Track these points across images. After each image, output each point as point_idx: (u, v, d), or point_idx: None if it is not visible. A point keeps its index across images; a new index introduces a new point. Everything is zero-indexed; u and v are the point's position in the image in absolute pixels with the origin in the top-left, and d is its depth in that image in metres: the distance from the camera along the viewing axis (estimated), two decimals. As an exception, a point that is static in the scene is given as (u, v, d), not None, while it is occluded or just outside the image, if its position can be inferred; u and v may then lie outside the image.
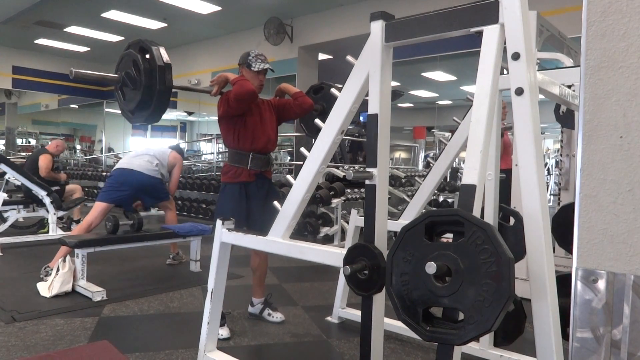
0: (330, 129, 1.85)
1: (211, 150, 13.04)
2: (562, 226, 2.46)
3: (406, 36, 1.61)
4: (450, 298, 1.21)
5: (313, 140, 2.45)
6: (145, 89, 2.11)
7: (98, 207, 4.06)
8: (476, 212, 1.34)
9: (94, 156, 16.13)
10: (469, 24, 1.46)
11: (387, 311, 1.67)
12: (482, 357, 2.49)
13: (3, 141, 16.07)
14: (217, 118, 2.87)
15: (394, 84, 9.98)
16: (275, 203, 2.12)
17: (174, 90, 2.35)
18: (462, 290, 1.19)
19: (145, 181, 4.23)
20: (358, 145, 8.35)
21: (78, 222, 6.05)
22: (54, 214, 5.35)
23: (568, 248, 2.61)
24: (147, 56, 2.15)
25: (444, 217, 1.28)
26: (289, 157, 11.09)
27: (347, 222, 4.22)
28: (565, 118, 3.54)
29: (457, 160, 5.49)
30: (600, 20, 0.77)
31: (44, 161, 5.70)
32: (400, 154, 17.87)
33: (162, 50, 2.16)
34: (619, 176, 0.76)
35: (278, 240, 2.00)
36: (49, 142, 6.14)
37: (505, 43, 1.41)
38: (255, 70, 2.80)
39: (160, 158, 4.42)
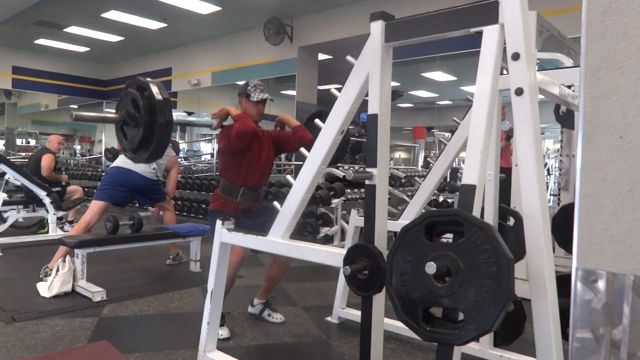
0: (330, 129, 1.85)
1: (211, 150, 13.04)
2: (562, 226, 2.46)
3: (406, 36, 1.61)
4: (450, 298, 1.21)
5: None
6: (146, 124, 2.13)
7: (95, 205, 4.05)
8: (476, 212, 1.34)
9: (93, 156, 16.12)
10: (469, 24, 1.46)
11: (387, 311, 1.67)
12: (482, 357, 2.49)
13: (3, 141, 16.05)
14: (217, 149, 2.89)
15: (394, 84, 9.99)
16: (275, 203, 2.12)
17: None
18: (462, 290, 1.19)
19: (141, 182, 4.24)
20: (357, 146, 8.35)
21: (72, 222, 6.05)
22: (54, 214, 5.35)
23: (568, 248, 2.61)
24: (146, 93, 2.18)
25: (444, 217, 1.28)
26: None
27: (347, 222, 4.22)
28: (565, 118, 3.54)
29: (457, 160, 5.49)
30: (600, 20, 0.77)
31: (46, 161, 5.71)
32: (400, 154, 17.86)
33: (160, 86, 2.19)
34: (619, 176, 0.76)
35: (278, 240, 2.00)
36: (48, 140, 6.13)
37: (505, 43, 1.41)
38: (254, 100, 2.82)
39: (158, 161, 4.42)
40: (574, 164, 4.51)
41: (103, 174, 9.51)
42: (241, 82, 11.17)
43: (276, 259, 2.93)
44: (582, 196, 0.79)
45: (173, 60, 11.39)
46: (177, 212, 5.98)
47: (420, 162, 13.06)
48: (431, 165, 2.77)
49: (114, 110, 2.31)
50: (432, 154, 11.72)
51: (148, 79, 2.23)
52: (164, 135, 2.15)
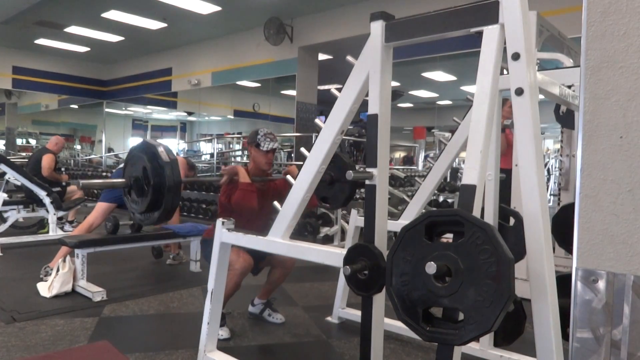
0: (330, 129, 1.85)
1: (211, 151, 13.05)
2: (562, 226, 2.46)
3: (406, 36, 1.61)
4: (450, 298, 1.21)
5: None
6: (155, 187, 2.14)
7: (100, 207, 4.07)
8: (476, 212, 1.34)
9: (93, 156, 16.13)
10: (469, 24, 1.46)
11: (387, 311, 1.67)
12: (482, 357, 2.48)
13: (3, 141, 16.06)
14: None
15: (394, 84, 9.97)
16: (275, 203, 2.12)
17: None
18: (462, 290, 1.19)
19: None
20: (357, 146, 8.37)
21: (72, 222, 6.06)
22: (54, 214, 5.35)
23: (568, 248, 2.61)
24: (153, 156, 2.19)
25: (444, 217, 1.28)
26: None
27: (347, 222, 4.22)
28: (565, 118, 3.54)
29: (457, 160, 5.48)
30: (600, 20, 0.77)
31: (46, 161, 5.71)
32: (401, 154, 17.86)
33: (167, 148, 2.20)
34: (619, 176, 0.76)
35: (278, 240, 2.00)
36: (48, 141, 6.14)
37: (505, 43, 1.41)
38: (264, 150, 2.82)
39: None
40: (574, 164, 4.51)
41: (104, 174, 9.53)
42: (241, 82, 11.03)
43: (279, 264, 2.93)
44: (582, 196, 0.79)
45: (173, 60, 11.39)
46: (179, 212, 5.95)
47: (421, 162, 13.06)
48: (431, 165, 2.77)
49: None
50: (417, 156, 11.84)
51: (154, 141, 2.25)
52: (173, 197, 2.17)
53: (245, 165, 2.93)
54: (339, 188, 2.54)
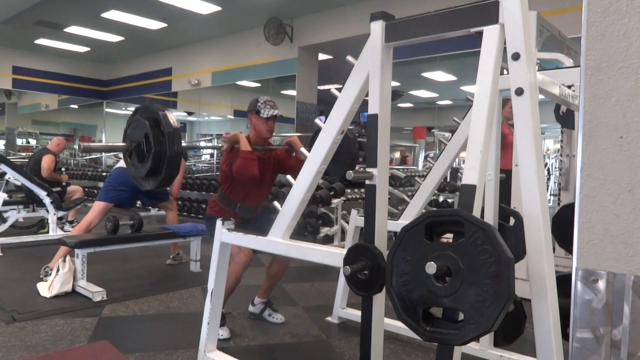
0: (330, 129, 1.85)
1: (211, 151, 13.06)
2: (562, 226, 2.46)
3: (406, 36, 1.61)
4: (451, 298, 1.21)
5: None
6: (155, 155, 2.13)
7: (97, 206, 4.06)
8: (476, 212, 1.34)
9: (93, 156, 16.12)
10: (469, 24, 1.46)
11: (387, 311, 1.67)
12: (482, 357, 2.49)
13: (3, 141, 16.06)
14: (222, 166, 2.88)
15: (394, 84, 9.96)
16: (275, 203, 2.12)
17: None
18: (462, 290, 1.19)
19: None
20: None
21: (72, 222, 6.06)
22: (54, 214, 5.35)
23: (568, 248, 2.61)
24: (155, 122, 2.17)
25: (444, 217, 1.28)
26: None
27: (347, 222, 4.22)
28: (565, 118, 3.54)
29: (457, 160, 5.47)
30: (600, 20, 0.77)
31: (46, 162, 5.70)
32: (399, 154, 17.87)
33: (170, 115, 2.18)
34: (619, 176, 0.76)
35: (278, 240, 2.00)
36: (49, 142, 6.15)
37: (505, 43, 1.41)
38: (264, 117, 2.82)
39: None
40: (574, 164, 4.51)
41: (104, 174, 9.53)
42: (241, 82, 11.03)
43: (276, 257, 2.93)
44: (582, 196, 0.79)
45: (173, 60, 11.39)
46: (177, 212, 5.96)
47: (421, 162, 13.06)
48: (431, 165, 2.77)
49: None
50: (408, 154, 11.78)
51: (158, 106, 2.23)
52: (173, 166, 2.15)
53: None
54: (340, 160, 2.51)
